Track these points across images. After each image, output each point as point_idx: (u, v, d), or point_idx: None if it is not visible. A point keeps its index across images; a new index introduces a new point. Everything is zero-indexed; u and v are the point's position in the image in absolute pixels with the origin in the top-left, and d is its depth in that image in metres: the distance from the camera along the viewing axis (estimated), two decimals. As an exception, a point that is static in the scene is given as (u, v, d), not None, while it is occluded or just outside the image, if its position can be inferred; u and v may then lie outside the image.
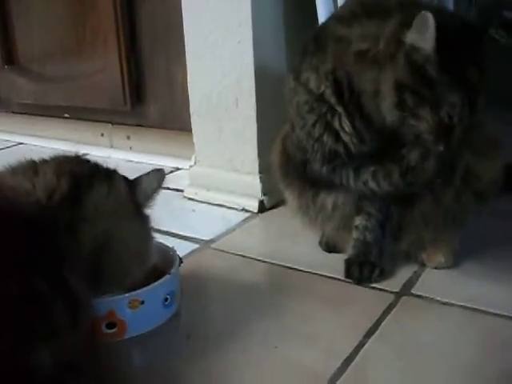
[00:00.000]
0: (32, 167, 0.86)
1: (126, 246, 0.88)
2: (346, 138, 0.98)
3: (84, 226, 0.82)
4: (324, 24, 1.04)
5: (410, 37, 0.88)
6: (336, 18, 1.02)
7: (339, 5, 1.23)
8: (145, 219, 0.93)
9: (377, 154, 0.99)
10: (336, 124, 0.97)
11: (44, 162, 0.88)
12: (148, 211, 0.93)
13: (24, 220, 0.77)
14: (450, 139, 0.91)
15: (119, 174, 0.92)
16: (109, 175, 0.89)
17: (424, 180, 1.01)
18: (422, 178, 1.00)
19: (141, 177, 0.92)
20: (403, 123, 0.91)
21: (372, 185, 1.00)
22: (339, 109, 0.96)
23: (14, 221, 0.77)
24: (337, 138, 0.98)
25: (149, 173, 0.93)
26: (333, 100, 0.97)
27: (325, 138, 0.99)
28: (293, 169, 1.10)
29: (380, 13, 0.93)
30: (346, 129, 0.97)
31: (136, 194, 0.90)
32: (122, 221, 0.88)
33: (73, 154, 0.93)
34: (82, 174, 0.86)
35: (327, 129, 0.98)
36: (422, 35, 0.86)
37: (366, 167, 1.00)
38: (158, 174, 0.93)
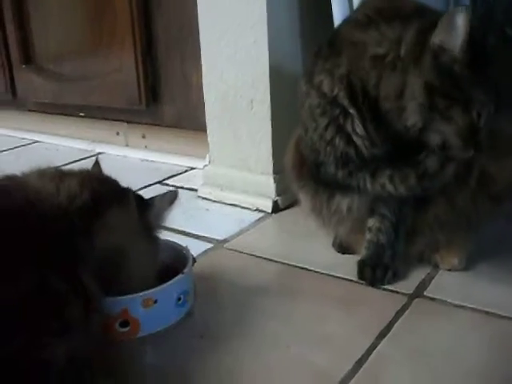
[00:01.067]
0: (59, 174, 0.90)
1: (131, 262, 0.91)
2: (358, 140, 0.97)
3: (97, 236, 0.85)
4: (338, 28, 1.03)
5: (437, 37, 0.87)
6: (351, 22, 1.02)
7: (355, 5, 1.23)
8: (152, 241, 0.97)
9: (392, 158, 0.98)
10: (348, 127, 0.97)
11: (71, 173, 0.92)
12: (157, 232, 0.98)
13: (43, 220, 0.80)
14: (478, 143, 0.91)
15: (135, 195, 0.96)
16: (125, 196, 0.93)
17: (441, 185, 1.00)
18: (439, 183, 1.00)
19: (155, 198, 0.97)
20: (429, 128, 0.90)
21: (389, 188, 1.00)
22: (352, 111, 0.96)
23: (33, 221, 0.79)
24: (348, 140, 0.98)
25: (163, 194, 0.97)
26: (346, 103, 0.96)
27: (337, 140, 0.99)
28: (306, 171, 1.10)
29: (398, 18, 0.93)
30: (358, 131, 0.97)
31: (148, 215, 0.94)
32: (131, 240, 0.91)
33: (96, 170, 1.00)
34: (103, 191, 0.90)
35: (339, 132, 0.98)
36: (450, 35, 0.86)
37: (382, 171, 0.99)
38: (172, 196, 0.97)
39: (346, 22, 1.06)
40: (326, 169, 1.03)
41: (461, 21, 0.84)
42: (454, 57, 0.86)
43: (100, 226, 0.86)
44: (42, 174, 0.89)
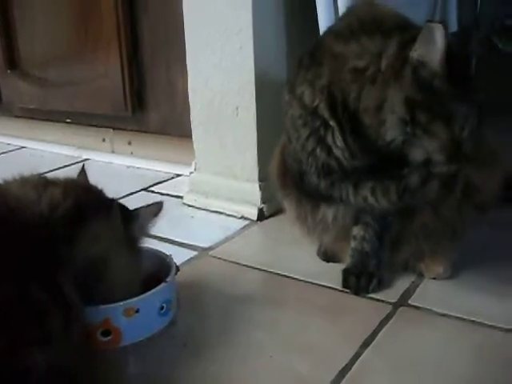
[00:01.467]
0: (42, 183, 0.89)
1: (112, 273, 0.90)
2: (337, 152, 0.97)
3: (79, 245, 0.84)
4: (320, 38, 1.03)
5: (416, 52, 0.87)
6: (333, 33, 1.02)
7: (340, 12, 1.23)
8: (136, 253, 0.95)
9: (374, 170, 0.98)
10: (329, 139, 0.97)
11: (55, 181, 0.91)
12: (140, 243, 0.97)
13: (24, 229, 0.80)
14: (461, 156, 0.91)
15: (120, 205, 0.95)
16: (109, 206, 0.92)
17: (425, 201, 1.01)
18: (422, 199, 1.00)
19: (139, 210, 0.96)
20: (411, 143, 0.90)
21: (371, 200, 0.99)
22: (332, 123, 0.96)
23: (14, 229, 0.78)
24: (329, 152, 0.98)
25: (148, 206, 0.96)
26: (326, 114, 0.96)
27: (318, 151, 0.98)
28: (290, 179, 1.10)
29: (379, 32, 0.93)
30: (338, 143, 0.96)
31: (132, 227, 0.93)
32: (114, 251, 0.90)
33: (82, 178, 0.99)
34: (87, 200, 0.89)
35: (320, 143, 0.98)
36: (429, 49, 0.86)
37: (364, 183, 0.99)
38: (157, 207, 0.96)
39: (328, 32, 1.06)
40: (309, 179, 1.03)
41: (439, 35, 0.84)
42: (434, 71, 0.86)
43: (82, 235, 0.85)
44: (25, 181, 0.89)
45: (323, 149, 0.98)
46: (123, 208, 0.96)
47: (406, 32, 0.91)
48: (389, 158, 0.95)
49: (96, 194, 0.94)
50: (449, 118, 0.88)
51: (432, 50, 0.86)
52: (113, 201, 0.95)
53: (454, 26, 1.47)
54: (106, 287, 0.90)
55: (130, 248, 0.93)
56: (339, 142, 0.96)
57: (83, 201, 0.88)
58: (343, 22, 1.03)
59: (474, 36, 1.74)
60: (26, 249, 0.77)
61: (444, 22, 0.87)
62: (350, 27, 0.97)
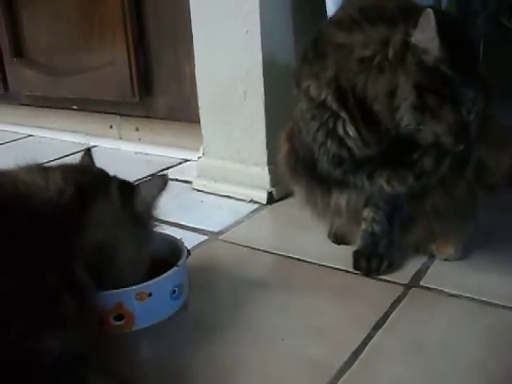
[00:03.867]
0: (42, 169, 0.89)
1: (121, 253, 0.90)
2: (350, 142, 0.97)
3: (86, 229, 0.85)
4: (322, 29, 1.02)
5: (416, 37, 0.88)
6: (334, 23, 1.01)
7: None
8: (143, 227, 0.94)
9: (387, 158, 0.98)
10: (340, 130, 0.97)
11: (51, 167, 0.91)
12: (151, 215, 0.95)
13: (37, 214, 0.80)
14: (468, 137, 0.91)
15: (119, 182, 0.93)
16: (110, 184, 0.91)
17: (438, 179, 1.01)
18: (436, 178, 1.00)
19: (140, 184, 0.94)
20: (420, 127, 0.90)
21: (387, 188, 1.00)
22: (343, 114, 0.96)
23: (26, 214, 0.78)
24: (340, 143, 0.98)
25: (149, 179, 0.95)
26: (335, 106, 0.96)
27: (328, 143, 0.99)
28: (301, 166, 1.09)
29: (382, 19, 0.93)
30: (351, 133, 0.96)
31: (134, 202, 0.91)
32: (119, 229, 0.90)
33: (86, 160, 0.99)
34: (85, 183, 0.89)
35: (330, 135, 0.98)
36: (427, 34, 0.86)
37: (378, 172, 0.99)
38: (160, 180, 0.94)
39: (329, 22, 1.05)
40: (322, 166, 1.03)
41: (431, 21, 0.85)
42: (436, 57, 0.87)
43: (86, 218, 0.85)
44: (29, 168, 0.89)
45: (334, 140, 0.98)
46: (124, 183, 0.94)
47: (410, 17, 0.90)
48: (400, 144, 0.95)
49: (93, 174, 0.93)
50: (456, 101, 0.88)
51: (429, 35, 0.86)
52: (111, 178, 0.94)
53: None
54: (116, 265, 0.90)
55: (135, 224, 0.92)
56: (352, 132, 0.96)
57: (82, 183, 0.88)
58: (343, 11, 1.02)
59: (480, 15, 1.73)
60: (38, 234, 0.77)
61: (435, 8, 0.87)
62: (351, 16, 0.96)
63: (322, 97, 0.97)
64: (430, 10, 0.85)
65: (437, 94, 0.88)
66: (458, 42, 0.88)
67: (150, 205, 0.94)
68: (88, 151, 1.00)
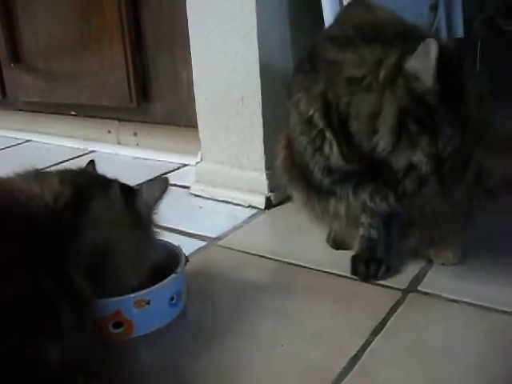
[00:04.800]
0: (39, 175, 0.89)
1: (121, 254, 0.89)
2: (333, 159, 0.98)
3: (85, 231, 0.84)
4: (317, 42, 1.02)
5: (411, 65, 0.87)
6: (330, 38, 1.00)
7: (344, 1, 1.22)
8: (145, 228, 0.93)
9: (371, 175, 0.99)
10: (326, 148, 0.98)
11: (49, 172, 0.91)
12: (152, 218, 0.94)
13: (33, 222, 0.80)
14: (441, 169, 0.92)
15: (120, 184, 0.93)
16: (108, 186, 0.91)
17: (421, 201, 1.01)
18: (419, 201, 1.00)
19: (142, 185, 0.94)
20: (395, 151, 0.91)
21: (370, 204, 1.01)
22: (328, 134, 0.97)
23: (22, 222, 0.78)
24: (326, 159, 0.99)
25: (151, 181, 0.95)
26: (321, 124, 0.96)
27: (317, 157, 1.00)
28: (298, 173, 1.09)
29: (378, 41, 0.92)
30: (334, 153, 0.97)
31: (136, 203, 0.91)
32: (119, 230, 0.89)
33: (76, 168, 0.97)
34: (83, 185, 0.88)
35: (318, 150, 0.99)
36: (423, 64, 0.86)
37: (363, 186, 1.00)
38: (161, 182, 0.94)
39: (324, 36, 1.04)
40: (315, 175, 1.03)
41: (433, 52, 0.84)
42: (426, 86, 0.87)
43: (86, 219, 0.85)
44: (26, 175, 0.88)
45: (322, 156, 0.99)
46: (125, 186, 0.94)
47: (407, 42, 0.90)
48: (381, 164, 0.95)
49: (91, 177, 0.93)
50: (434, 133, 0.88)
51: (425, 65, 0.86)
52: (111, 181, 0.93)
53: (460, 32, 1.47)
54: (115, 270, 0.89)
55: (136, 226, 0.91)
56: (335, 151, 0.97)
57: (80, 185, 0.88)
58: (341, 26, 1.02)
59: (477, 18, 1.73)
60: (34, 242, 0.77)
61: (439, 40, 0.87)
62: (347, 34, 0.96)
63: (310, 113, 0.97)
64: (432, 41, 0.85)
65: (417, 123, 0.88)
66: (450, 76, 0.88)
67: (152, 206, 0.93)
68: (92, 162, 1.00)
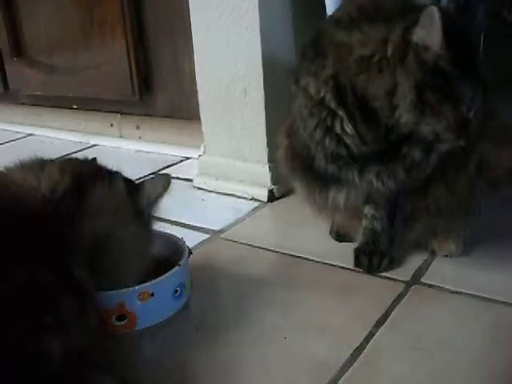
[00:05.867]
0: (39, 164, 0.87)
1: (121, 246, 0.88)
2: (348, 140, 0.97)
3: (84, 220, 0.83)
4: (322, 28, 1.02)
5: (417, 35, 0.87)
6: (334, 21, 1.01)
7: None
8: (145, 224, 0.93)
9: (380, 155, 0.98)
10: (337, 128, 0.97)
11: (51, 160, 0.90)
12: (153, 215, 0.94)
13: (30, 215, 0.79)
14: (468, 133, 0.91)
15: (122, 177, 0.93)
16: (111, 177, 0.90)
17: (428, 173, 1.00)
18: (426, 171, 1.00)
19: (144, 182, 0.93)
20: (419, 124, 0.91)
21: (377, 185, 1.00)
22: (341, 112, 0.96)
23: (21, 216, 0.78)
24: (338, 141, 0.98)
25: (154, 178, 0.94)
26: (333, 105, 0.96)
27: (326, 141, 0.99)
28: (299, 163, 1.09)
29: (381, 17, 0.93)
30: (348, 131, 0.96)
31: (138, 198, 0.90)
32: (120, 222, 0.88)
33: (81, 158, 0.96)
34: (84, 173, 0.87)
35: (328, 133, 0.98)
36: (429, 31, 0.86)
37: (369, 167, 0.99)
38: (164, 180, 0.94)
39: (329, 21, 1.05)
40: (318, 163, 1.03)
41: (436, 18, 0.85)
42: (437, 54, 0.87)
43: (85, 208, 0.84)
44: (24, 166, 0.87)
45: (332, 138, 0.98)
46: (128, 180, 0.94)
47: (409, 15, 0.90)
48: (397, 141, 0.95)
49: (94, 167, 0.92)
50: (456, 98, 0.88)
51: (431, 33, 0.86)
52: (114, 172, 0.93)
53: None
54: (114, 262, 0.88)
55: (137, 220, 0.90)
56: (349, 129, 0.96)
57: (81, 173, 0.87)
58: (343, 9, 1.02)
59: (480, 9, 1.72)
60: (32, 234, 0.76)
61: (440, 5, 0.87)
62: (350, 15, 0.96)
63: (321, 94, 0.97)
64: (433, 7, 0.85)
65: (436, 92, 0.88)
66: (458, 39, 0.88)
67: (153, 203, 0.93)
68: (94, 160, 1.00)
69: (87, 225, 0.83)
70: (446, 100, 0.88)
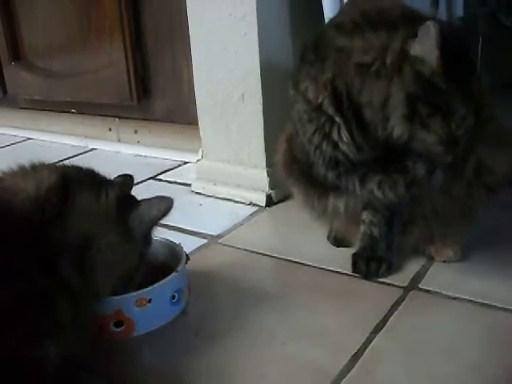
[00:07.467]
0: (33, 169, 0.86)
1: (99, 257, 0.83)
2: (343, 147, 0.97)
3: (68, 222, 0.79)
4: (323, 31, 1.02)
5: (415, 48, 0.87)
6: (336, 26, 1.00)
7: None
8: (132, 241, 0.87)
9: (381, 163, 0.98)
10: (334, 134, 0.96)
11: (46, 163, 0.88)
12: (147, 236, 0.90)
13: (17, 218, 0.77)
14: (457, 150, 0.91)
15: (119, 190, 0.89)
16: (102, 185, 0.86)
17: (430, 192, 1.00)
18: (427, 190, 1.00)
19: (143, 201, 0.89)
20: (412, 137, 0.90)
21: (378, 194, 1.00)
22: (337, 119, 0.96)
23: (8, 220, 0.76)
24: (335, 147, 0.97)
25: (155, 198, 0.89)
26: (331, 111, 0.96)
27: (324, 146, 0.98)
28: (297, 168, 1.09)
29: (384, 25, 0.92)
30: (344, 139, 0.96)
31: (129, 214, 0.86)
32: (102, 232, 0.83)
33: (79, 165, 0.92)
34: (73, 176, 0.85)
35: (325, 138, 0.98)
36: (425, 47, 0.85)
37: (371, 176, 0.99)
38: (164, 202, 0.89)
39: (330, 25, 1.04)
40: (317, 169, 1.03)
41: (433, 33, 0.84)
42: (432, 68, 0.86)
43: (69, 208, 0.80)
44: (18, 170, 0.85)
45: (329, 144, 0.98)
46: (127, 195, 0.91)
47: (412, 26, 0.89)
48: (394, 151, 0.94)
49: (86, 172, 0.89)
50: (446, 115, 0.88)
51: (428, 49, 0.85)
52: (110, 181, 0.90)
53: (459, 11, 1.46)
54: (92, 267, 0.82)
55: (121, 233, 0.85)
56: (345, 137, 0.96)
57: (70, 176, 0.84)
58: (345, 14, 1.02)
59: (479, 13, 1.73)
60: (21, 238, 0.75)
61: (438, 19, 0.87)
62: (353, 20, 0.95)
63: (319, 100, 0.97)
64: (430, 23, 0.84)
65: (428, 105, 0.87)
66: (456, 56, 0.87)
67: (147, 225, 0.88)
68: (130, 177, 0.98)
69: (70, 226, 0.79)
70: (436, 114, 0.88)
